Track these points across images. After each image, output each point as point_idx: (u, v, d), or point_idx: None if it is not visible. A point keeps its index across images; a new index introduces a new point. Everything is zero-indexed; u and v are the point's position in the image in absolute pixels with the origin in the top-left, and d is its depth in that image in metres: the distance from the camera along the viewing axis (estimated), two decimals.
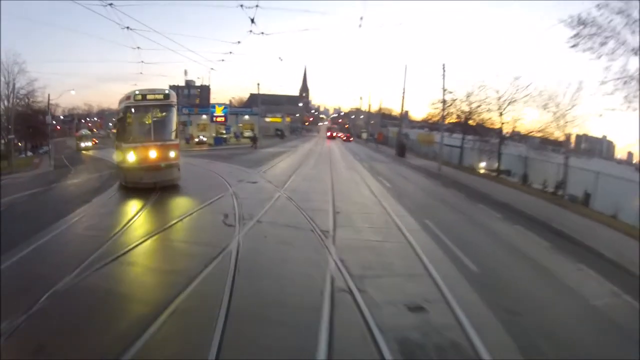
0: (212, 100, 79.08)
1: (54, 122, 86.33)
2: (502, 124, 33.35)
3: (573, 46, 18.51)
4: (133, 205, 13.00)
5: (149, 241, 9.21)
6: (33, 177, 27.76)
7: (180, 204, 13.70)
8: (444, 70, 33.37)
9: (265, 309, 6.14)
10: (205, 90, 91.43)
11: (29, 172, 34.07)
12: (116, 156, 16.56)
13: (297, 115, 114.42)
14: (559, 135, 28.39)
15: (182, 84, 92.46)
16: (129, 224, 10.68)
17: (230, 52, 59.59)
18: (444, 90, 33.76)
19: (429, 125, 53.98)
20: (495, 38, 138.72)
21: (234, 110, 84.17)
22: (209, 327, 5.41)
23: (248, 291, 6.66)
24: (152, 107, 15.27)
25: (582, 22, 18.28)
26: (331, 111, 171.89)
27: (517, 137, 33.15)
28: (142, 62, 60.17)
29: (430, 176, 27.80)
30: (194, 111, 73.49)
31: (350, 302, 6.33)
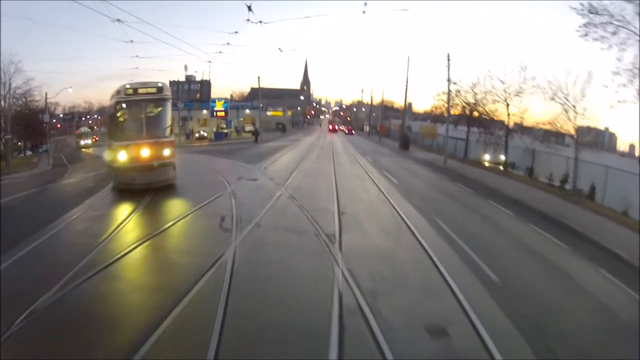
0: (213, 95, 78.23)
1: (54, 120, 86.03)
2: (509, 115, 32.50)
3: (584, 35, 18.09)
4: (124, 208, 12.10)
5: (135, 251, 8.32)
6: (30, 178, 27.05)
7: (174, 206, 12.81)
8: (449, 61, 32.36)
9: (264, 334, 5.32)
10: (205, 85, 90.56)
11: (27, 172, 33.50)
12: (107, 155, 15.57)
13: (299, 108, 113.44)
14: (568, 127, 27.75)
15: (183, 79, 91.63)
16: (117, 230, 9.81)
17: (228, 44, 58.18)
18: (449, 81, 32.75)
19: (431, 117, 53.22)
20: (502, 27, 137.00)
21: (235, 104, 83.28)
22: (197, 358, 4.64)
23: (244, 313, 5.83)
24: (144, 101, 14.19)
25: (593, 10, 17.88)
26: (333, 104, 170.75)
27: (521, 129, 32.28)
28: (137, 56, 59.06)
29: (436, 170, 26.99)
30: (194, 106, 72.50)
31: (362, 326, 5.46)
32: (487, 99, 34.65)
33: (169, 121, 14.70)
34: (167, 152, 14.22)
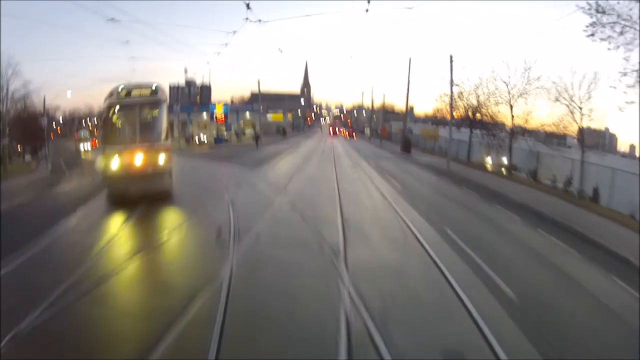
0: (214, 99, 77.79)
1: (54, 124, 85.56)
2: (513, 117, 31.93)
3: (590, 35, 17.74)
4: (115, 220, 11.44)
5: (122, 270, 7.61)
6: (26, 184, 26.38)
7: (168, 217, 12.12)
8: (452, 62, 31.75)
9: None
10: (206, 89, 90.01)
11: (24, 177, 32.90)
12: (99, 162, 14.85)
13: (299, 112, 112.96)
14: (573, 129, 27.33)
15: (183, 83, 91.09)
16: (105, 246, 9.09)
17: (226, 44, 57.57)
18: (452, 83, 32.13)
19: (432, 120, 52.64)
20: (505, 27, 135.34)
21: (235, 107, 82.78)
22: None
23: (240, 344, 5.18)
24: (138, 104, 13.44)
25: (600, 10, 17.46)
26: (333, 108, 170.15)
27: (523, 131, 31.69)
28: (134, 57, 58.25)
29: (440, 174, 26.35)
30: (193, 110, 71.92)
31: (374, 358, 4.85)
32: (490, 101, 34.19)
33: (164, 125, 13.92)
34: (162, 158, 13.36)
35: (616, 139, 59.71)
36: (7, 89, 42.25)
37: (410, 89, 45.29)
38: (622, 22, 16.98)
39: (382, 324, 5.62)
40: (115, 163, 12.85)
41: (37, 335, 5.35)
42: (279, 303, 6.42)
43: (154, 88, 13.73)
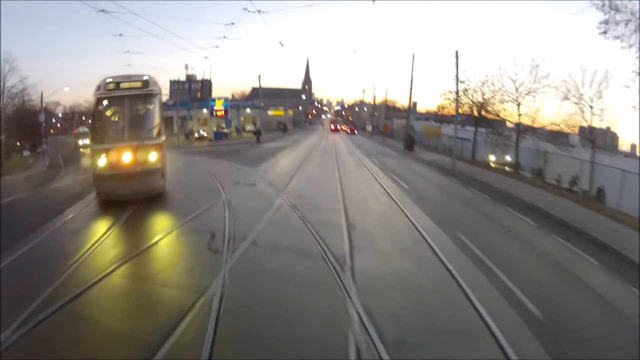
0: (214, 95, 76.79)
1: (54, 120, 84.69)
2: (520, 115, 31.18)
3: (603, 32, 17.37)
4: (102, 223, 10.47)
5: (104, 282, 6.74)
6: (21, 181, 25.62)
7: (158, 221, 11.20)
8: (457, 58, 30.85)
9: None
10: (206, 84, 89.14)
11: (20, 174, 32.17)
12: (87, 160, 13.89)
13: (300, 108, 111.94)
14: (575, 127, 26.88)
15: (183, 78, 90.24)
16: (89, 252, 8.18)
17: (225, 37, 56.18)
18: (457, 79, 31.25)
19: (435, 117, 51.90)
20: (513, 24, 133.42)
21: (235, 103, 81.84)
22: None
23: None
24: (127, 98, 12.41)
25: (614, 7, 17.07)
26: (334, 104, 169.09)
27: (526, 129, 31.03)
28: (129, 51, 57.17)
29: (446, 173, 25.54)
30: (193, 105, 70.95)
31: None
32: (495, 98, 33.55)
33: (156, 120, 12.88)
34: (153, 156, 12.36)
35: (617, 138, 58.93)
36: (4, 85, 41.52)
37: (413, 85, 44.44)
38: (636, 20, 16.63)
39: (397, 351, 4.81)
40: (102, 161, 11.86)
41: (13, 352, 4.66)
42: (277, 325, 5.55)
43: (145, 80, 12.69)
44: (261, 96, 64.59)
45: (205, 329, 5.16)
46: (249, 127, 69.58)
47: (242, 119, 74.80)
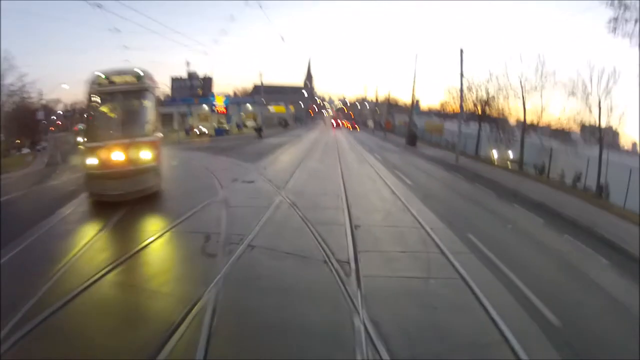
0: (216, 92, 76.27)
1: (54, 117, 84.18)
2: (525, 112, 30.80)
3: (612, 30, 17.10)
4: (92, 224, 9.89)
5: (87, 291, 6.12)
6: (18, 179, 25.08)
7: (151, 221, 10.49)
8: (462, 55, 30.32)
9: None
10: (207, 81, 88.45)
11: (18, 172, 31.68)
12: (77, 158, 13.22)
13: (302, 104, 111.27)
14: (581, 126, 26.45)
15: (185, 75, 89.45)
16: (75, 258, 7.54)
17: (225, 31, 55.22)
18: (462, 76, 30.75)
19: (437, 113, 51.51)
20: (518, 21, 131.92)
21: (236, 99, 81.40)
22: None
23: None
24: (120, 93, 11.80)
25: (624, 5, 17.07)
26: (336, 101, 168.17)
27: (530, 127, 30.68)
28: (125, 47, 56.51)
29: (450, 169, 25.02)
30: (193, 102, 70.39)
31: None
32: (500, 95, 33.27)
33: (151, 117, 12.28)
34: (147, 154, 11.65)
35: (618, 135, 58.18)
36: (2, 83, 41.06)
37: (416, 82, 44.14)
38: None
39: None
40: (93, 160, 11.17)
41: None
42: (276, 342, 4.98)
43: (138, 74, 12.03)
44: (262, 92, 64.19)
45: (195, 346, 4.62)
46: (250, 124, 69.18)
47: (242, 115, 74.35)
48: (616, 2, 16.88)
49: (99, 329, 5.31)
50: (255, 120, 67.98)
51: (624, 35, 16.81)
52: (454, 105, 38.43)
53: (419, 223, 10.40)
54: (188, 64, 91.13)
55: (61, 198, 13.39)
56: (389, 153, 32.21)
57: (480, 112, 35.65)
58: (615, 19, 16.94)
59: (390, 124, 68.21)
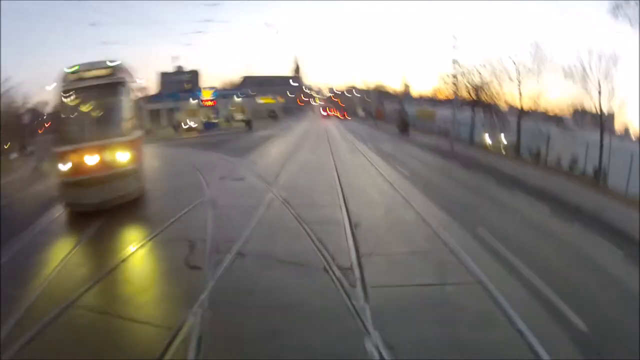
0: (203, 86, 74.59)
1: (41, 120, 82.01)
2: (521, 96, 30.20)
3: (614, 9, 16.57)
4: (68, 237, 9.00)
5: (57, 321, 5.20)
6: (5, 185, 23.80)
7: (130, 231, 9.58)
8: (455, 41, 29.69)
9: None
10: (195, 75, 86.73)
11: (6, 178, 30.37)
12: (47, 164, 12.11)
13: (290, 95, 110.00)
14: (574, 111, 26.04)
15: (171, 70, 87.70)
16: (48, 278, 6.58)
17: (208, 21, 53.28)
18: (455, 62, 30.08)
19: (427, 100, 50.94)
20: (516, 5, 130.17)
21: (224, 92, 79.94)
22: None
23: None
24: (91, 89, 10.71)
25: None
26: (325, 90, 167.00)
27: (524, 112, 30.11)
28: (105, 43, 54.64)
29: (445, 156, 24.24)
30: (180, 97, 69.01)
31: None
32: (494, 80, 32.58)
33: (127, 113, 11.16)
34: (125, 156, 10.53)
35: (613, 118, 58.01)
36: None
37: (404, 69, 43.65)
38: None
39: None
40: (64, 166, 10.10)
41: None
42: None
43: (112, 66, 10.96)
44: (250, 84, 63.15)
45: None
46: (239, 117, 68.09)
47: (231, 108, 73.09)
48: None
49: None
50: (244, 113, 66.95)
51: (624, 17, 16.16)
52: (446, 92, 37.73)
53: (423, 218, 9.62)
54: (175, 58, 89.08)
55: (43, 205, 12.28)
56: (381, 142, 31.32)
57: (474, 98, 34.92)
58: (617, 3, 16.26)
59: (381, 112, 67.28)
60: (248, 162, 18.75)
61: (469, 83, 35.13)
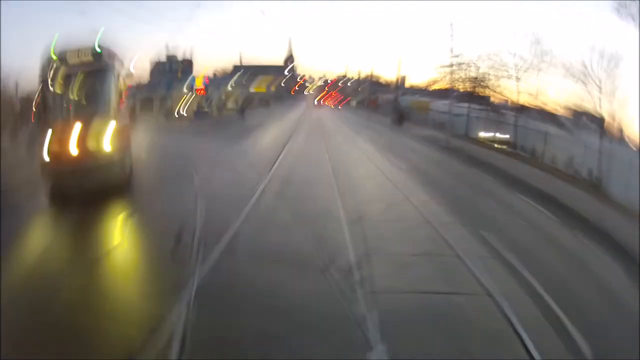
0: (196, 74, 73.76)
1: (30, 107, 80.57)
2: (519, 92, 29.84)
3: (617, 7, 16.24)
4: (46, 231, 8.30)
5: (32, 315, 4.68)
6: None
7: (113, 220, 8.85)
8: (452, 30, 29.27)
9: None
10: (187, 63, 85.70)
11: None
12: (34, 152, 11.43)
13: (283, 84, 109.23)
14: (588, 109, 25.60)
15: (164, 59, 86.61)
16: (28, 280, 5.80)
17: (199, 6, 52.50)
18: (452, 53, 29.68)
19: (422, 91, 50.53)
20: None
21: (216, 80, 79.15)
22: None
23: None
24: (74, 74, 10.07)
25: None
26: (317, 78, 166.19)
27: (521, 108, 29.77)
28: (94, 31, 53.70)
29: (442, 150, 23.77)
30: (173, 85, 68.16)
31: None
32: (491, 74, 32.21)
33: (113, 100, 10.56)
34: (109, 144, 9.90)
35: (613, 119, 58.18)
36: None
37: (399, 59, 43.10)
38: None
39: None
40: (46, 153, 9.53)
41: None
42: None
43: (97, 51, 10.28)
44: (243, 72, 62.48)
45: None
46: (231, 105, 67.46)
47: (223, 96, 72.33)
48: None
49: None
50: (236, 101, 66.33)
51: (627, 16, 15.84)
52: (442, 83, 37.33)
53: (424, 217, 9.14)
54: (167, 47, 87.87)
55: (28, 196, 11.48)
56: (376, 134, 30.82)
57: (470, 91, 34.59)
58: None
59: (374, 102, 66.78)
60: (239, 150, 18.21)
61: (465, 75, 34.84)
